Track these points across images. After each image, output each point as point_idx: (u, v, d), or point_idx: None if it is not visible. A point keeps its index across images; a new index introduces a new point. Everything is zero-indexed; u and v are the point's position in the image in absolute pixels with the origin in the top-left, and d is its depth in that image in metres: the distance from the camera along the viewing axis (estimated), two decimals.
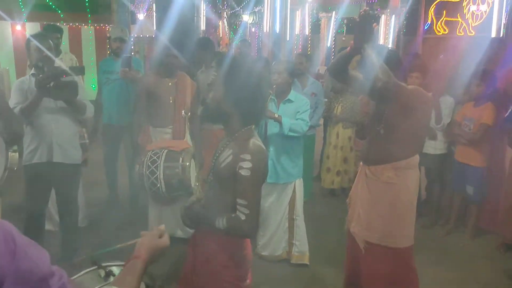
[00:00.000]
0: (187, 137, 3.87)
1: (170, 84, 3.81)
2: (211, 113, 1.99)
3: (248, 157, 1.83)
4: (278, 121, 3.52)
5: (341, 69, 2.69)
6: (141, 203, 4.71)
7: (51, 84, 3.03)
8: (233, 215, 1.86)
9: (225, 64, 1.93)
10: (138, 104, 3.91)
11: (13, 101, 3.22)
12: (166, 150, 3.47)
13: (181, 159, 3.42)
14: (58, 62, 3.43)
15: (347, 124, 5.29)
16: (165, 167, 3.35)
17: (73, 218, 3.69)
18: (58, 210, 3.70)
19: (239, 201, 1.85)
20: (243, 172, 1.82)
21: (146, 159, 3.42)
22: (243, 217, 1.84)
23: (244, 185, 1.84)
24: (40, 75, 3.07)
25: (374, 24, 2.45)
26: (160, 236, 1.45)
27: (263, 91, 1.99)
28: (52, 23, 5.96)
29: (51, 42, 3.33)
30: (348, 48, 2.53)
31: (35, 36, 3.34)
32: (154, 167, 3.35)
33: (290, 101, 3.65)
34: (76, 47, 8.70)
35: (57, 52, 4.95)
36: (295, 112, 3.63)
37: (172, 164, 3.40)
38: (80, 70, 3.39)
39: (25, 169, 3.40)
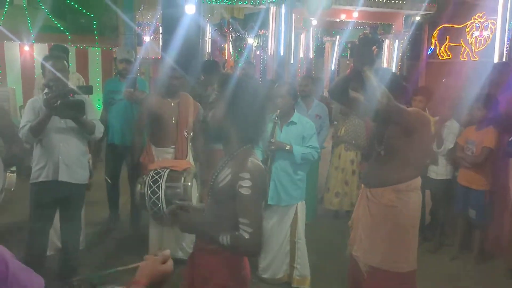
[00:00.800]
0: (190, 157, 3.88)
1: (172, 104, 3.85)
2: (211, 131, 2.00)
3: (247, 175, 1.82)
4: (290, 151, 3.54)
5: (341, 92, 2.70)
6: (142, 223, 4.69)
7: (58, 103, 3.10)
8: (236, 233, 1.83)
9: (227, 84, 1.94)
10: (140, 124, 3.94)
11: (25, 119, 3.29)
12: (168, 170, 3.47)
13: (182, 179, 3.41)
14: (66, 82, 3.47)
15: (350, 147, 5.26)
16: (167, 187, 3.35)
17: (76, 237, 3.69)
18: (61, 229, 3.69)
19: (241, 220, 1.82)
20: (243, 191, 1.81)
21: (148, 178, 3.42)
22: (246, 236, 1.80)
23: (244, 204, 1.82)
24: (49, 94, 3.15)
25: (374, 47, 2.47)
26: (164, 262, 1.40)
27: (264, 110, 1.99)
28: (58, 44, 6.04)
29: (65, 63, 3.41)
30: (348, 71, 2.55)
31: (50, 57, 3.40)
32: (156, 186, 3.35)
33: (293, 123, 3.66)
34: (82, 68, 8.80)
35: None
36: (298, 134, 3.63)
37: (174, 184, 3.39)
38: (88, 89, 3.44)
39: (31, 187, 3.42)
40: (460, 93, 4.99)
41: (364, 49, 2.49)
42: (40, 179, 3.36)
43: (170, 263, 1.42)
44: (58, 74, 3.27)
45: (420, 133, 2.72)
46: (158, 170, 3.47)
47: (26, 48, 8.62)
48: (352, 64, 2.53)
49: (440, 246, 4.72)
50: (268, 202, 3.60)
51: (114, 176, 4.82)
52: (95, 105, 7.57)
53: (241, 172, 1.83)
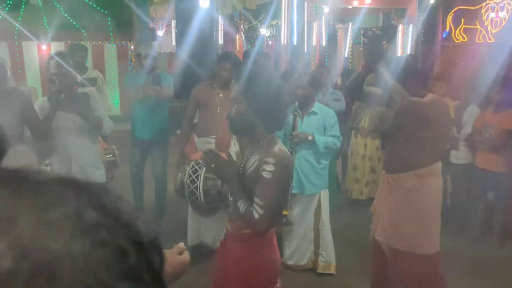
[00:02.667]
0: (233, 148, 3.95)
1: (221, 95, 3.93)
2: (237, 125, 2.08)
3: (272, 160, 1.92)
4: (312, 141, 3.61)
5: (356, 88, 2.78)
6: (167, 217, 4.81)
7: (62, 97, 3.12)
8: (251, 207, 1.94)
9: (244, 78, 2.04)
10: (188, 114, 4.07)
11: None
12: None
13: None
14: (72, 75, 3.48)
15: (375, 135, 5.27)
16: (206, 178, 3.42)
17: None
18: None
19: (256, 200, 1.93)
20: (265, 174, 1.91)
21: (188, 168, 3.50)
22: (256, 216, 1.92)
23: (263, 187, 1.92)
24: (53, 88, 3.18)
25: (384, 43, 2.54)
26: (180, 253, 1.49)
27: (283, 97, 2.09)
28: (77, 42, 6.15)
29: (70, 61, 3.45)
30: (360, 68, 2.63)
31: (56, 54, 3.46)
32: (195, 176, 3.42)
33: (314, 113, 3.72)
34: (99, 64, 8.95)
35: (83, 69, 5.11)
36: (320, 124, 3.70)
37: (213, 175, 3.47)
38: (91, 81, 3.48)
39: None
40: (477, 76, 4.99)
41: (374, 46, 2.57)
42: None
43: (186, 254, 1.50)
44: (65, 66, 3.29)
45: (439, 121, 2.76)
46: (199, 160, 3.55)
47: (44, 47, 8.79)
48: (363, 62, 2.61)
49: (462, 229, 4.75)
50: (292, 191, 3.68)
51: (140, 170, 4.92)
52: (113, 100, 7.69)
53: (267, 157, 1.93)
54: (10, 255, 0.34)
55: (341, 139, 3.79)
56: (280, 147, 2.00)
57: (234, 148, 3.96)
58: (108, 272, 0.37)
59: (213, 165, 2.05)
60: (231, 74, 3.92)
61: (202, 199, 3.41)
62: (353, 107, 5.55)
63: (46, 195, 0.39)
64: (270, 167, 1.91)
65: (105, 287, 0.36)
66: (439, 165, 2.89)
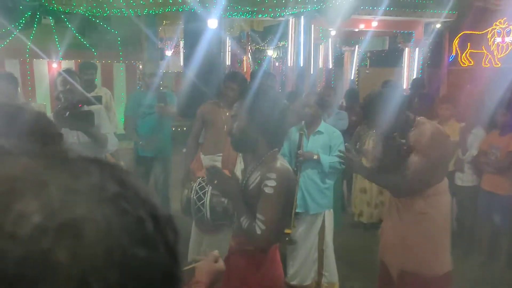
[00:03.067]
0: (239, 165, 3.98)
1: (227, 114, 3.97)
2: (238, 141, 2.10)
3: (273, 176, 1.93)
4: (318, 160, 3.62)
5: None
6: None
7: (67, 114, 3.13)
8: (253, 223, 1.94)
9: (246, 94, 2.08)
10: (195, 131, 4.11)
11: None
12: None
13: None
14: (78, 93, 3.50)
15: None
16: (212, 194, 3.43)
17: None
18: None
19: (258, 215, 1.93)
20: (266, 190, 1.92)
21: (195, 184, 3.52)
22: (258, 231, 1.92)
23: (265, 202, 1.93)
24: (59, 106, 3.23)
25: None
26: (215, 261, 1.51)
27: (283, 114, 2.11)
28: (87, 61, 6.25)
29: (77, 78, 3.50)
30: None
31: (63, 71, 3.52)
32: (202, 193, 3.43)
33: (320, 132, 3.74)
34: (108, 82, 9.05)
35: (92, 87, 5.19)
36: (325, 144, 3.71)
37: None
38: (97, 99, 3.53)
39: None
40: (483, 99, 5.01)
41: None
42: None
43: (221, 262, 1.54)
44: (71, 82, 3.32)
45: (441, 154, 2.79)
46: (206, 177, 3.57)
47: (54, 65, 8.92)
48: None
49: (469, 252, 4.69)
50: (296, 210, 3.67)
51: None
52: (119, 118, 7.75)
53: (268, 173, 1.94)
54: (39, 213, 0.38)
55: None
56: (282, 162, 2.02)
57: (240, 165, 3.98)
58: (127, 238, 0.41)
59: (215, 181, 2.07)
60: (238, 93, 3.97)
61: (209, 216, 3.41)
62: (357, 129, 5.57)
63: (74, 167, 0.43)
64: (272, 183, 1.92)
65: (124, 250, 0.40)
66: (445, 182, 2.88)
